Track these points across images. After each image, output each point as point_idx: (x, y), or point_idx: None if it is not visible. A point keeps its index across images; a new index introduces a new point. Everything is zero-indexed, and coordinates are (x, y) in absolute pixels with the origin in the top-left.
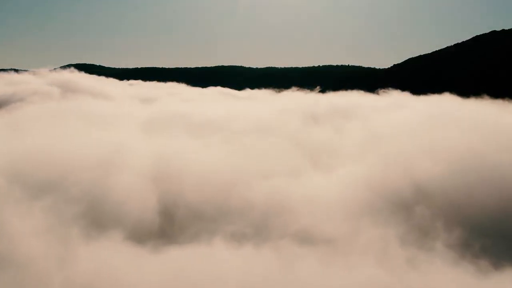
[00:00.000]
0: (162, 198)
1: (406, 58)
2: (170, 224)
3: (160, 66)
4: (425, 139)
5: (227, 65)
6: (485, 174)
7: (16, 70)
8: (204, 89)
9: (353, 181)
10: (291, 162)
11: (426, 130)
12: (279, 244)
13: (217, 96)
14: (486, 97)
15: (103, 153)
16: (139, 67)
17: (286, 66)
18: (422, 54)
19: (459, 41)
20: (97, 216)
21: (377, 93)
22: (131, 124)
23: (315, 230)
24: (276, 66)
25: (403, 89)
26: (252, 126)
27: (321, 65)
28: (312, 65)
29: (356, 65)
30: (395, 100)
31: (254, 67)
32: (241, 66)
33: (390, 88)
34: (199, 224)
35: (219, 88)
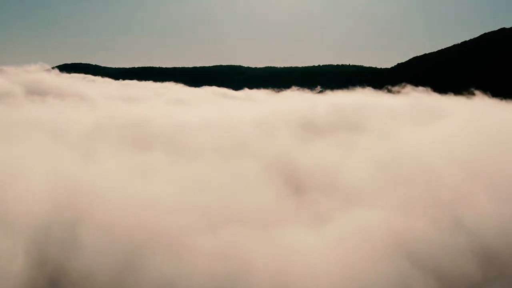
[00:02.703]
0: (44, 261)
1: (409, 58)
2: None
3: (158, 66)
4: (476, 163)
5: (225, 64)
6: None
7: None
8: (197, 89)
9: (365, 237)
10: (265, 199)
11: (473, 147)
12: None
13: (209, 97)
14: None
15: None
16: (136, 66)
17: (286, 66)
18: (427, 52)
19: (464, 40)
20: None
21: (390, 91)
22: (62, 135)
23: None
24: (276, 66)
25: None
26: (225, 139)
27: (321, 65)
28: (312, 65)
29: (357, 64)
30: (414, 100)
31: (254, 66)
32: (240, 66)
33: (404, 84)
34: None
35: (213, 88)
